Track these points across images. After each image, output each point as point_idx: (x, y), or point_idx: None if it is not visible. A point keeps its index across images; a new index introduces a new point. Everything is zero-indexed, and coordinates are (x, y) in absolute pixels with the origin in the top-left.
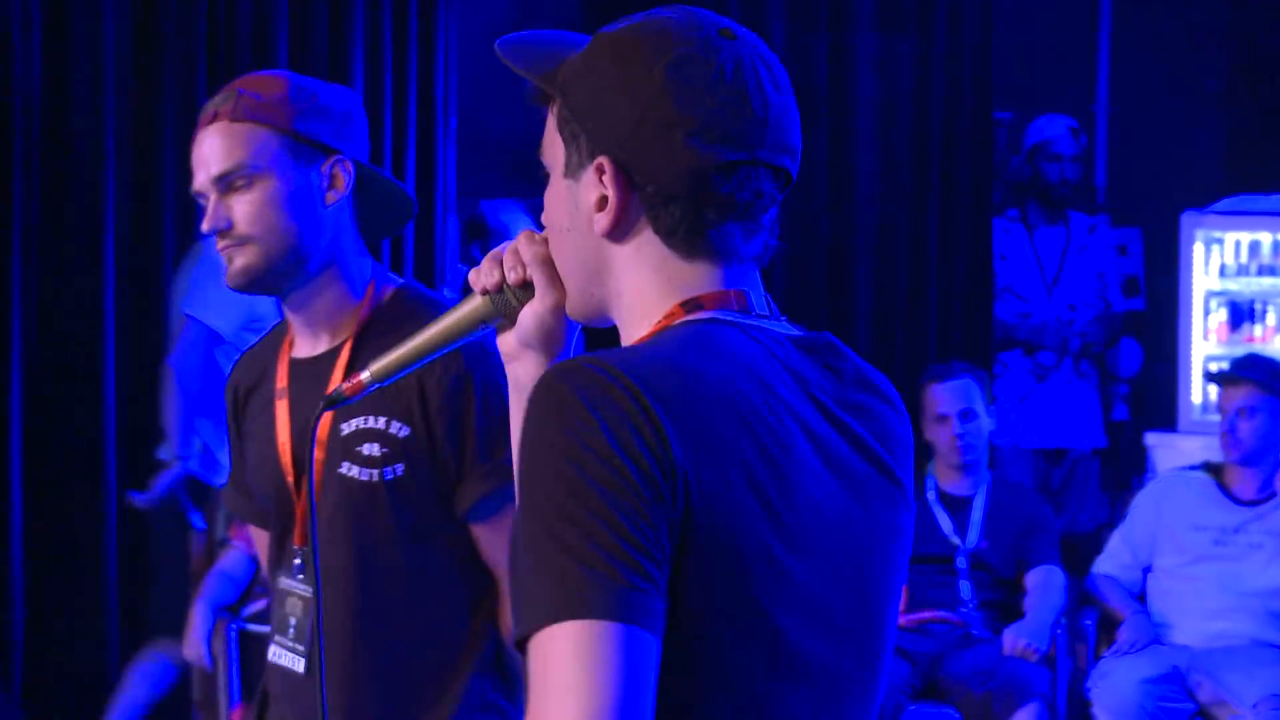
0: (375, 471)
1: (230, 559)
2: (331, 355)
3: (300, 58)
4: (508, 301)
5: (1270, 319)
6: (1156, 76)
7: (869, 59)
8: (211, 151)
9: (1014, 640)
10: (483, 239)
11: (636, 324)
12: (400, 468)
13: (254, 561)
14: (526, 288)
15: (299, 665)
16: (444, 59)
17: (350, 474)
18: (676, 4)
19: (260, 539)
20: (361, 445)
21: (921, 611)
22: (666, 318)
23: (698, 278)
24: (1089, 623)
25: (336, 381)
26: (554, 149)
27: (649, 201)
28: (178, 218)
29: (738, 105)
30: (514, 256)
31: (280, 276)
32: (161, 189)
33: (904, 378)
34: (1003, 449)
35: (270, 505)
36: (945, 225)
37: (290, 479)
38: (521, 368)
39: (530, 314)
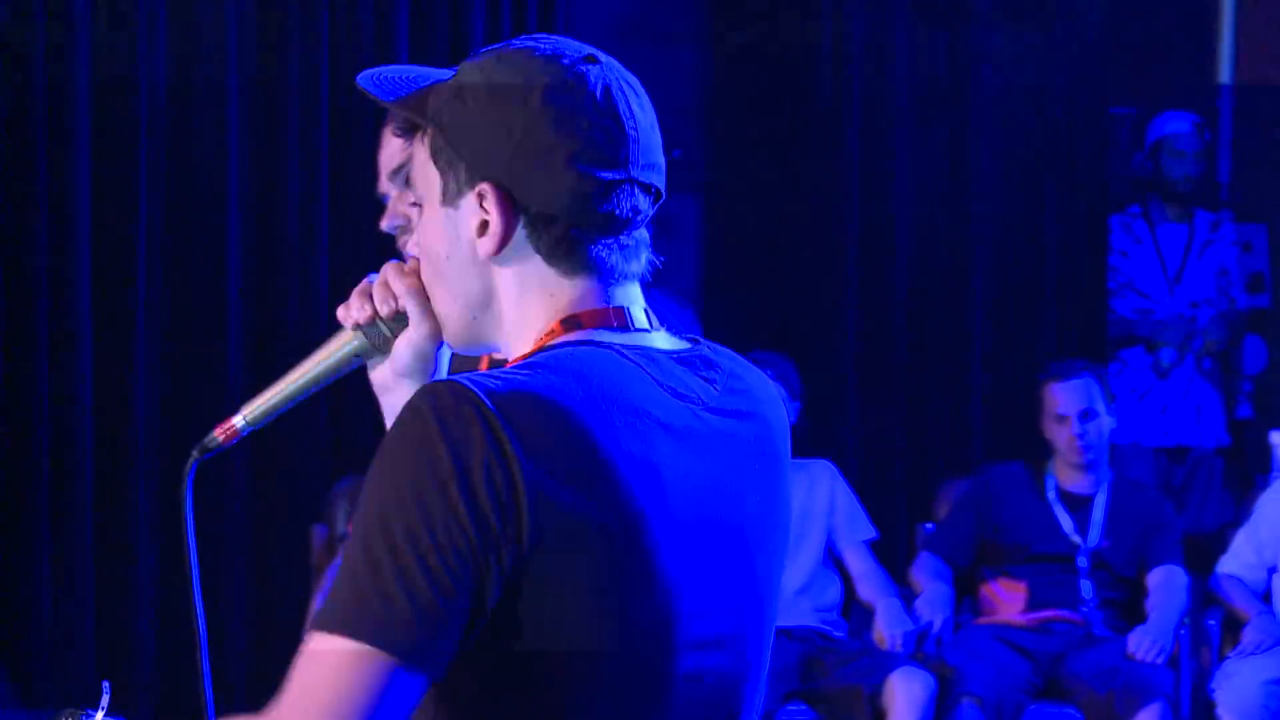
0: None
1: None
2: None
3: (420, 54)
4: (381, 334)
5: None
6: None
7: (989, 54)
8: (389, 150)
9: (1138, 642)
10: None
11: (518, 343)
12: None
13: None
14: (399, 319)
15: None
16: None
17: None
18: (538, 34)
19: None
20: None
21: (1042, 610)
22: (547, 334)
23: (578, 295)
24: (1213, 623)
25: None
26: (427, 178)
27: (531, 224)
28: (300, 212)
29: (610, 127)
30: (384, 289)
31: None
32: (285, 183)
33: (1019, 373)
34: (1123, 447)
35: None
36: (1063, 221)
37: None
38: (398, 397)
39: (405, 344)
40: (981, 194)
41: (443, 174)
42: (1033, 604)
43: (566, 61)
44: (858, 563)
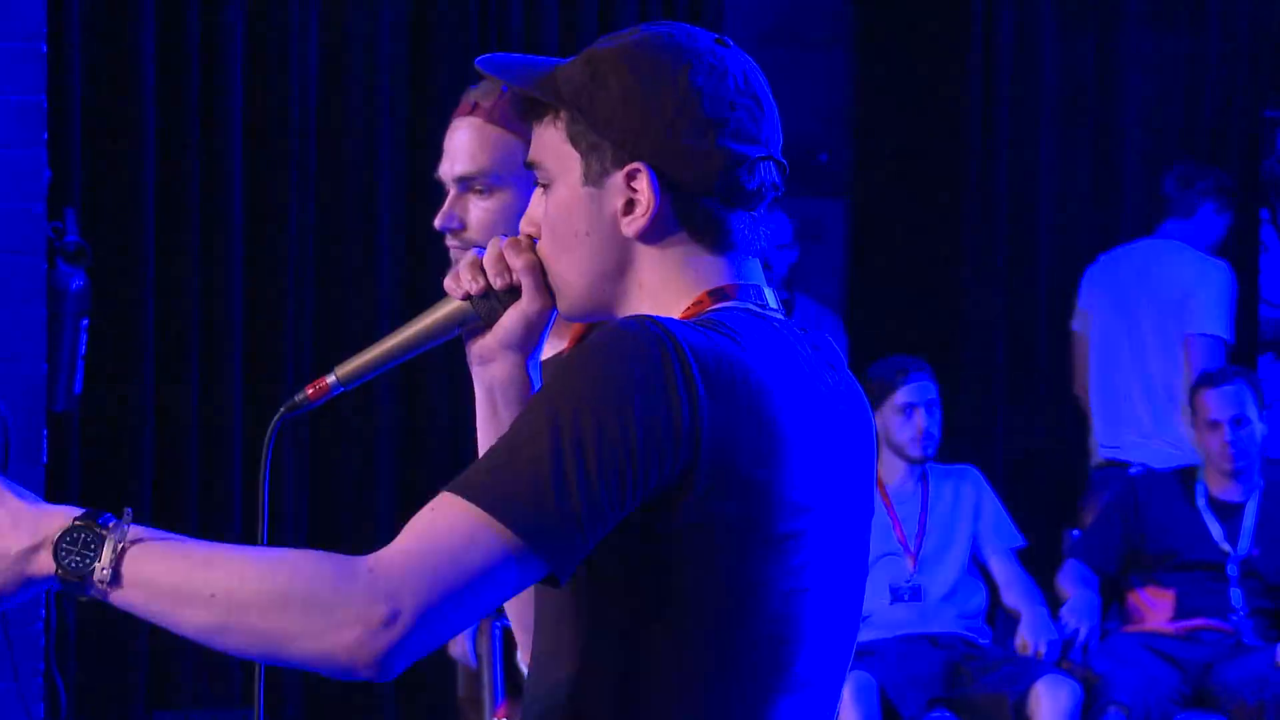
0: None
1: None
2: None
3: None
4: (490, 306)
5: None
6: None
7: (1138, 58)
8: (461, 147)
9: None
10: None
11: (660, 310)
12: None
13: None
14: (511, 292)
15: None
16: None
17: None
18: (663, 20)
19: None
20: None
21: (1191, 619)
22: (695, 305)
23: (719, 270)
24: None
25: None
26: (562, 159)
27: (680, 201)
28: None
29: (753, 106)
30: (499, 263)
31: None
32: (434, 184)
33: None
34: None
35: None
36: None
37: None
38: (499, 369)
39: (518, 316)
40: (1128, 199)
41: (584, 156)
42: (1181, 612)
43: (705, 45)
44: (1003, 570)
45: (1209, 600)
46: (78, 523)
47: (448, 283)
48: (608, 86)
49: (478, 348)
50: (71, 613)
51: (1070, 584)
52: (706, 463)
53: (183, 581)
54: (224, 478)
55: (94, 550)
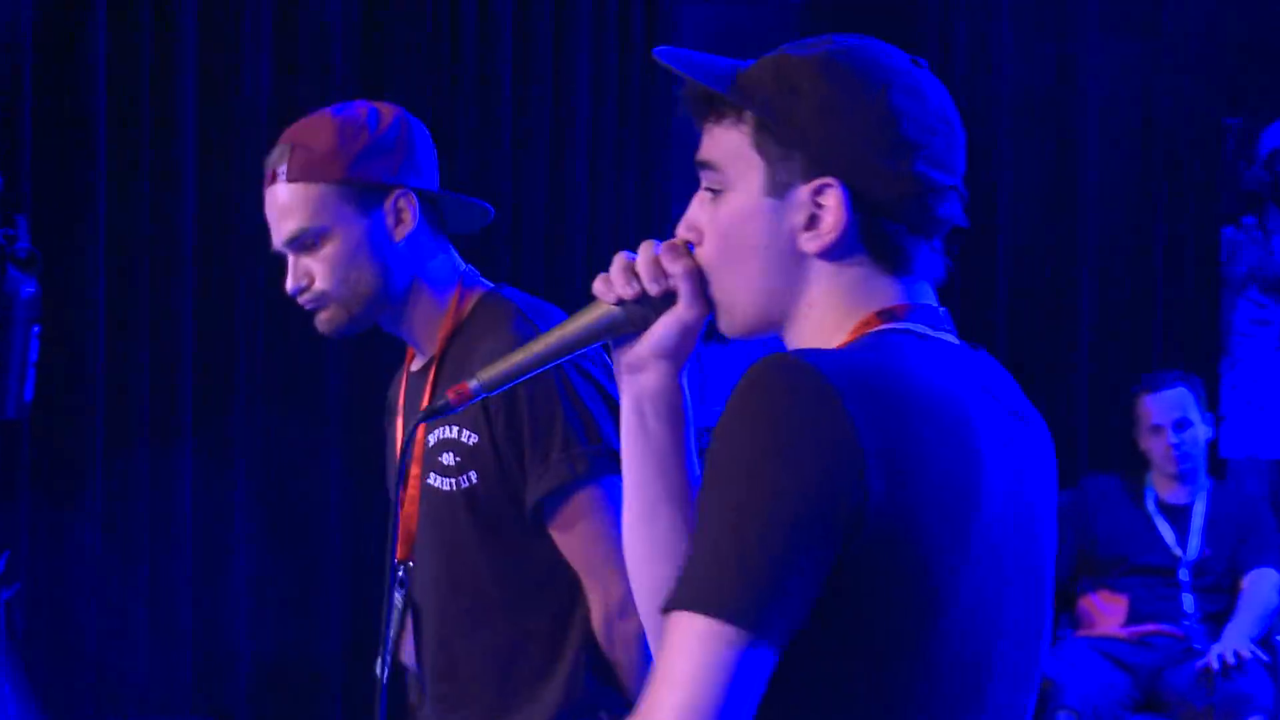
0: (452, 480)
1: None
2: (428, 368)
3: (522, 66)
4: (643, 312)
5: None
6: None
7: (1096, 64)
8: (276, 215)
9: (1219, 650)
10: None
11: (827, 332)
12: (473, 475)
13: None
14: (666, 299)
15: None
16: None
17: (435, 484)
18: (854, 34)
19: None
20: (442, 454)
21: (1143, 624)
22: (863, 324)
23: (891, 290)
24: None
25: (428, 396)
26: (744, 165)
27: (866, 222)
28: None
29: (948, 132)
30: (655, 268)
31: (366, 320)
32: None
33: (1126, 385)
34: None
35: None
36: (1171, 232)
37: (394, 493)
38: (651, 378)
39: (674, 324)
40: (1088, 206)
41: (769, 164)
42: (1133, 617)
43: (902, 64)
44: None
45: (1161, 605)
46: None
47: (598, 286)
48: (803, 95)
49: (628, 356)
50: (20, 618)
51: None
52: (881, 486)
53: None
54: (175, 486)
55: None
